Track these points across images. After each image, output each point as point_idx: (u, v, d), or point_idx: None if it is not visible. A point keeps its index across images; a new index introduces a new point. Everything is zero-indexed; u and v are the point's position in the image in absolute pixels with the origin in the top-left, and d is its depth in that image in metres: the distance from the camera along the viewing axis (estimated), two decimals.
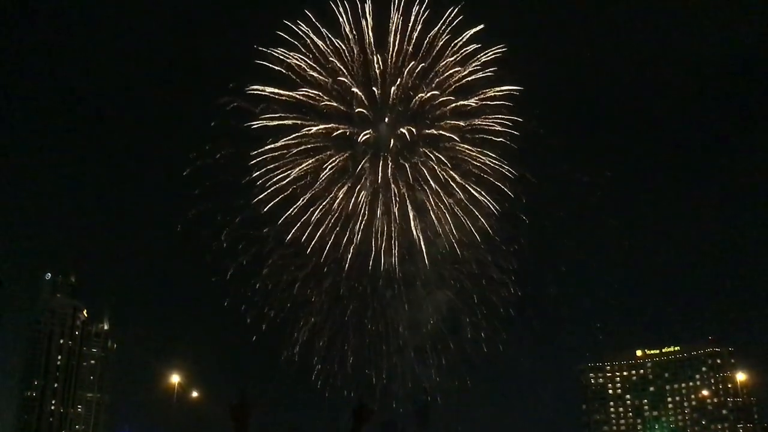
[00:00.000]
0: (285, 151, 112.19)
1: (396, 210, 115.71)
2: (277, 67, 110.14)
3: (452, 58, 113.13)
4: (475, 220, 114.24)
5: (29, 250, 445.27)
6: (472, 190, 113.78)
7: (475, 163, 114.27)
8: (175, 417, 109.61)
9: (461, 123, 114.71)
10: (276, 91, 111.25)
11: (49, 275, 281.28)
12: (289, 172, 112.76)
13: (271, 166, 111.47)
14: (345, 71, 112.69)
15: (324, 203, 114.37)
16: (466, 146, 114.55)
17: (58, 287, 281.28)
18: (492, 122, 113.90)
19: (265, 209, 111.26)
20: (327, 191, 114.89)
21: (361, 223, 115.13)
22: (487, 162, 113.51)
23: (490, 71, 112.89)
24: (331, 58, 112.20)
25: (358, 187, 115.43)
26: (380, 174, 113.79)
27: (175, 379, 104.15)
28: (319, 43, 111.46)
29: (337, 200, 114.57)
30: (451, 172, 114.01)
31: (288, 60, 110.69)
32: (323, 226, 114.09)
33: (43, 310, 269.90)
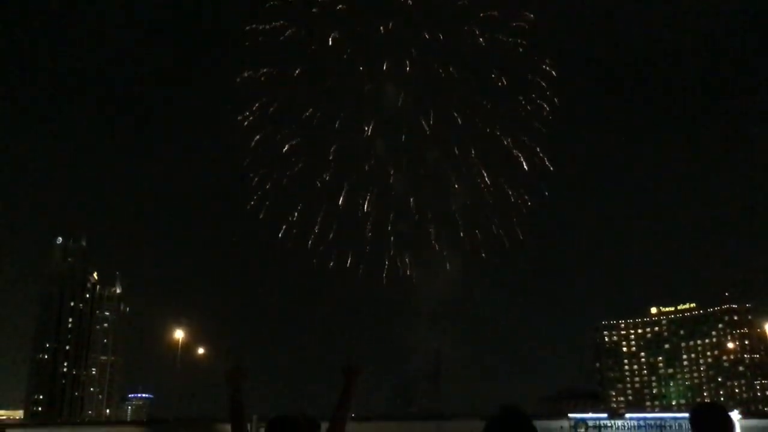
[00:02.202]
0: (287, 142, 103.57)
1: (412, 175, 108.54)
2: (270, 44, 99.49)
3: (473, 27, 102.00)
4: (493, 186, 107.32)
5: (40, 215, 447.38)
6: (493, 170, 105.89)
7: (498, 142, 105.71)
8: (179, 373, 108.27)
9: (485, 102, 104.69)
10: (271, 71, 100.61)
11: (60, 239, 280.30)
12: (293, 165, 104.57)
13: (267, 163, 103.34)
14: (347, 44, 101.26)
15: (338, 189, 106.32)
16: (489, 127, 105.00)
17: (69, 251, 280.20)
18: (524, 103, 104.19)
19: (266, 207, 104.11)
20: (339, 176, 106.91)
21: (371, 196, 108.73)
22: (512, 143, 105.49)
23: (517, 43, 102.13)
24: (331, 32, 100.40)
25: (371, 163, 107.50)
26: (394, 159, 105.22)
27: (178, 334, 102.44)
28: (314, 11, 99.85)
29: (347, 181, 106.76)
30: (473, 151, 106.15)
31: (282, 36, 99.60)
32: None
33: (54, 273, 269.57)
